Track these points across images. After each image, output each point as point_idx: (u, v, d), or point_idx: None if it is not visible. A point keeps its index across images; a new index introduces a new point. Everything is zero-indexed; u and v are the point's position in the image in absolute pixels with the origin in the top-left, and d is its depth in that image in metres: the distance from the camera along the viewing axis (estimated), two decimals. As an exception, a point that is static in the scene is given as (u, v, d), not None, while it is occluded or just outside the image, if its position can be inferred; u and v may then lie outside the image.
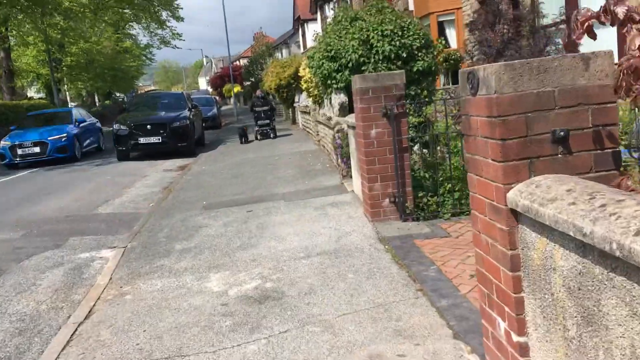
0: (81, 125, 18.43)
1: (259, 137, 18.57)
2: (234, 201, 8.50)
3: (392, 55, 8.40)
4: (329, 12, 30.06)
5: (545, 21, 9.66)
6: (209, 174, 11.80)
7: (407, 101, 6.56)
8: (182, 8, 44.91)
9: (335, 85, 8.86)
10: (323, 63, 8.80)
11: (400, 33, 8.55)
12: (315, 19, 37.76)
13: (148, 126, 15.75)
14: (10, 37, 31.33)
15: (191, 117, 16.70)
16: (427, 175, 6.77)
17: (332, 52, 8.64)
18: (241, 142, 18.36)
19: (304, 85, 12.89)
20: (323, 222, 6.61)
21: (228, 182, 10.36)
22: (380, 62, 8.38)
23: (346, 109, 9.04)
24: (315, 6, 37.36)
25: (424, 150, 7.67)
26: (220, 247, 6.08)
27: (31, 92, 48.26)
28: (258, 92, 20.09)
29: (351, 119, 7.36)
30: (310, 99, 13.36)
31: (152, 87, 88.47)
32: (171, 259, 5.88)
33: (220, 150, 17.00)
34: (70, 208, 9.41)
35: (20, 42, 34.36)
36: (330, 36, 8.86)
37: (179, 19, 44.96)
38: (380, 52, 8.39)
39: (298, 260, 5.34)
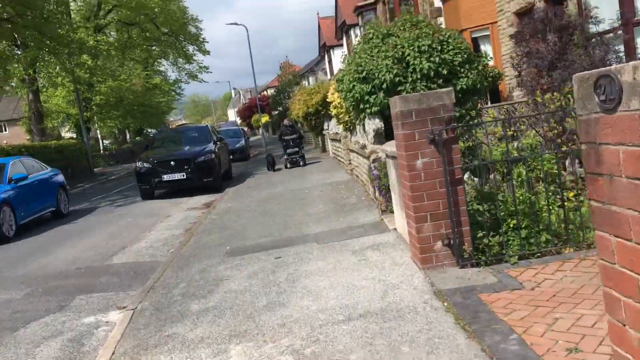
0: (21, 184, 12.02)
1: (288, 165, 18.59)
2: (260, 245, 7.55)
3: (432, 73, 7.45)
4: (355, 37, 29.43)
5: (602, 27, 8.60)
6: (235, 212, 10.93)
7: (459, 124, 5.56)
8: (207, 42, 45.20)
9: (368, 110, 7.93)
10: (354, 86, 7.89)
11: (439, 48, 7.59)
12: (341, 45, 37.27)
13: (172, 162, 15.02)
14: (38, 79, 31.56)
15: (216, 150, 15.95)
16: (482, 209, 5.70)
17: (364, 72, 7.73)
18: (269, 170, 18.44)
19: (334, 112, 12.02)
20: (364, 270, 5.59)
21: (255, 222, 9.45)
22: (418, 81, 7.44)
23: (382, 135, 8.09)
24: (341, 32, 36.88)
25: (475, 179, 6.64)
26: (243, 307, 5.11)
27: (65, 132, 48.85)
28: (286, 121, 19.77)
29: (390, 147, 6.39)
30: (341, 125, 12.46)
31: (183, 121, 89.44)
32: (185, 325, 4.93)
33: (247, 183, 16.18)
34: (84, 258, 8.60)
35: (48, 83, 34.67)
36: (361, 55, 7.97)
37: (205, 52, 45.23)
38: (418, 70, 7.45)
39: (337, 325, 4.33)
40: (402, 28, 8.13)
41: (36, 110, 31.15)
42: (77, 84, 32.37)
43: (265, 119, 50.97)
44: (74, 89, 33.51)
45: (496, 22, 15.88)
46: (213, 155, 15.44)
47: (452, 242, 5.17)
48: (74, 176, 27.96)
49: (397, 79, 7.48)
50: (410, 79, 7.46)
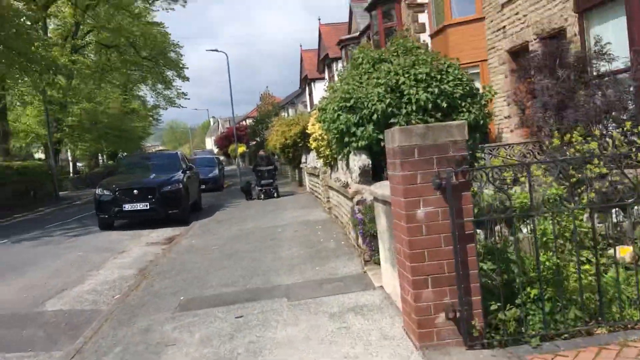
0: None
1: (262, 196, 18.36)
2: (220, 297, 6.36)
3: (430, 105, 6.47)
4: (337, 70, 28.79)
5: (615, 65, 7.77)
6: (198, 251, 9.70)
7: (474, 167, 4.54)
8: (187, 68, 44.43)
9: (354, 144, 6.90)
10: (339, 115, 6.87)
11: (438, 77, 6.64)
12: (323, 78, 36.68)
13: (135, 191, 13.75)
14: (6, 96, 30.08)
15: (185, 180, 14.74)
16: (489, 270, 4.63)
17: (352, 101, 6.73)
18: (247, 199, 18.50)
19: (313, 144, 11.00)
20: (344, 345, 4.44)
21: (218, 265, 8.25)
22: (414, 113, 6.46)
23: (369, 173, 7.05)
24: (323, 65, 36.36)
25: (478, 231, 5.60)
26: (187, 392, 3.91)
27: (38, 154, 46.93)
28: (261, 152, 19.49)
29: (381, 189, 5.33)
30: (321, 160, 11.43)
31: (160, 147, 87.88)
32: (108, 414, 3.72)
33: (217, 217, 14.95)
34: (11, 301, 7.28)
35: (18, 101, 33.23)
36: (349, 82, 6.97)
37: (185, 78, 44.38)
38: (413, 101, 6.47)
39: None
40: (395, 54, 7.19)
41: (1, 128, 29.57)
42: (48, 104, 31.02)
43: (242, 148, 49.93)
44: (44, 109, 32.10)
45: (487, 59, 15.21)
46: (181, 185, 14.22)
47: (458, 314, 4.08)
48: (37, 200, 26.38)
49: (390, 109, 6.49)
50: (404, 111, 6.48)
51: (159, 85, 46.41)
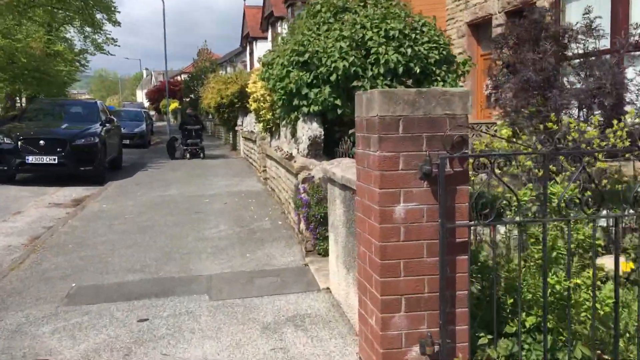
0: None
1: (188, 155, 17.79)
2: (123, 287, 5.05)
3: (401, 69, 5.30)
4: (282, 30, 27.15)
5: (603, 44, 6.88)
6: (107, 219, 8.24)
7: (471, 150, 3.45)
8: (119, 12, 41.08)
9: (305, 108, 5.66)
10: (289, 72, 5.58)
11: (412, 37, 5.48)
12: (266, 38, 34.85)
13: (41, 142, 11.92)
14: None
15: (102, 133, 12.99)
16: (477, 290, 3.59)
17: (306, 55, 5.45)
18: (171, 158, 17.72)
19: (253, 105, 9.65)
20: (281, 377, 3.30)
21: (128, 240, 6.87)
22: (381, 77, 5.27)
23: (320, 146, 5.86)
24: (267, 24, 34.50)
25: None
26: None
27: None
28: (189, 110, 18.90)
29: (340, 169, 4.15)
30: (260, 124, 10.10)
31: (87, 96, 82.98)
32: None
33: (137, 178, 13.36)
34: None
35: None
36: (304, 32, 5.68)
37: (116, 23, 40.92)
38: (382, 62, 5.28)
39: None
40: (361, 3, 5.94)
41: None
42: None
43: (174, 105, 47.33)
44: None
45: (445, 30, 14.25)
46: (97, 139, 12.49)
47: (437, 349, 3.03)
48: None
49: (353, 69, 5.28)
50: (370, 73, 5.29)
51: (87, 29, 42.73)
